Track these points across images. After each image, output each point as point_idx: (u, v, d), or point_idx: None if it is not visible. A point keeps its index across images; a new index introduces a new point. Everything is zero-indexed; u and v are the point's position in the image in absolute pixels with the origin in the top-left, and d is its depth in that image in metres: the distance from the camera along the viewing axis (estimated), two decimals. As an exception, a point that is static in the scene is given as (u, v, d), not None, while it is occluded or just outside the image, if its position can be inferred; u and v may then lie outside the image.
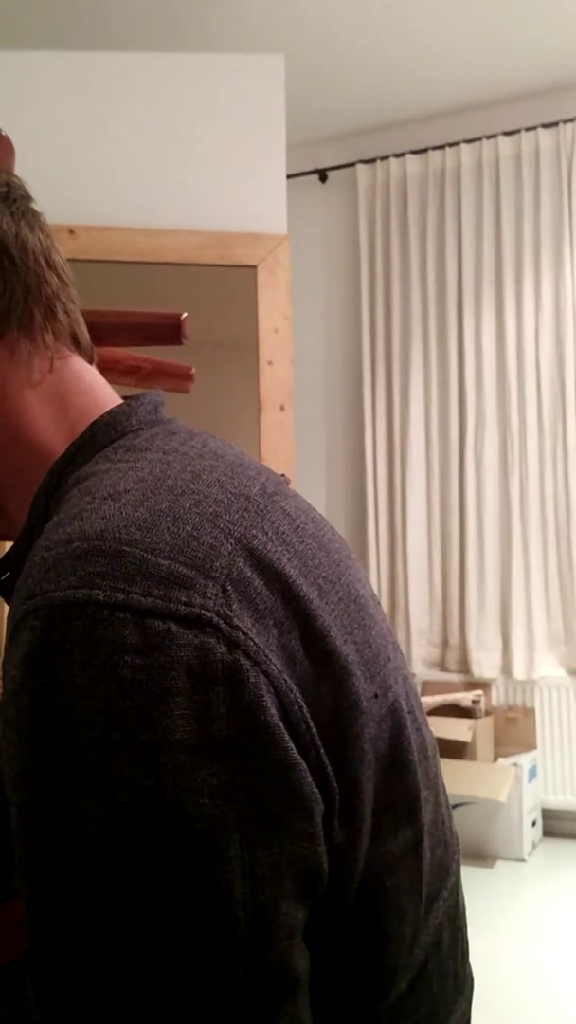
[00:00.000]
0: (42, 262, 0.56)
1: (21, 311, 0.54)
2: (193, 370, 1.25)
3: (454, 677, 3.57)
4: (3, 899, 0.54)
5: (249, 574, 0.43)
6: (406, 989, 0.49)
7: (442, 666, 3.60)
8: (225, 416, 2.49)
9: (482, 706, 3.38)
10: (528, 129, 3.56)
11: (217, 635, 0.40)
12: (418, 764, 0.50)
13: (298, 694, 0.42)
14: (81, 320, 0.59)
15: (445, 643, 3.61)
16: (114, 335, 1.17)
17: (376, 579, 3.72)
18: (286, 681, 0.42)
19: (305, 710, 0.42)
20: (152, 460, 0.49)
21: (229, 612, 0.41)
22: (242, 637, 0.40)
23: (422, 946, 0.50)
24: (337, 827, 0.44)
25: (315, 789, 0.42)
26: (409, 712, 0.51)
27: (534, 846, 3.28)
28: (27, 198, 0.57)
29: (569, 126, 3.51)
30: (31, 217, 0.57)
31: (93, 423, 0.54)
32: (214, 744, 0.38)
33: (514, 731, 3.45)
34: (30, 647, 0.39)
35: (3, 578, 0.56)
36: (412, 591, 3.61)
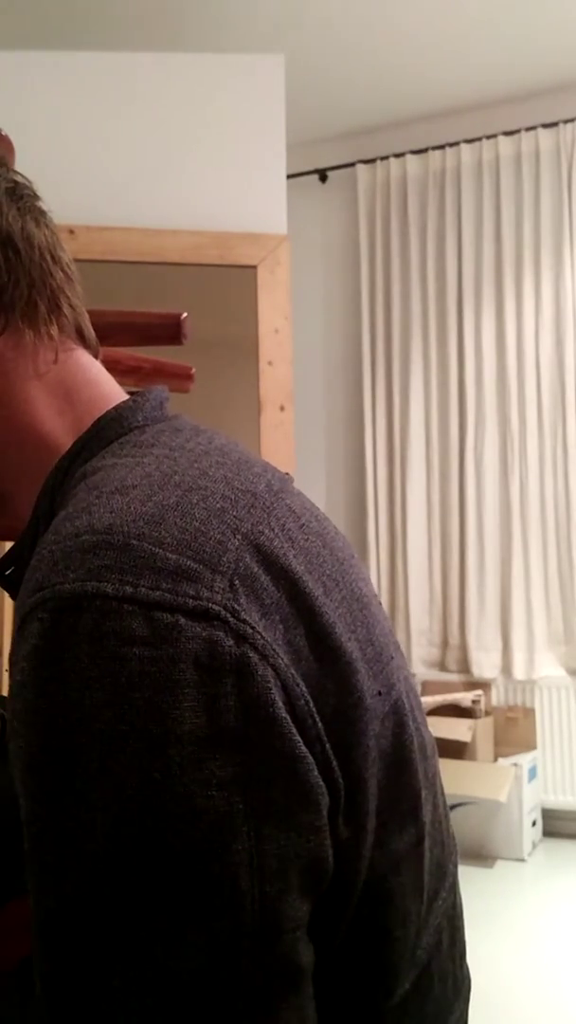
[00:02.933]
0: (47, 257, 0.56)
1: (25, 303, 0.55)
2: (193, 370, 1.25)
3: (454, 677, 3.57)
4: (10, 898, 0.54)
5: (256, 569, 0.43)
6: (410, 989, 0.49)
7: (442, 666, 3.60)
8: (225, 416, 2.49)
9: (482, 706, 3.38)
10: (528, 129, 3.56)
11: (225, 628, 0.40)
12: (419, 763, 0.50)
13: (304, 688, 0.42)
14: (86, 316, 0.60)
15: (445, 643, 3.61)
16: (114, 335, 1.18)
17: (376, 579, 3.72)
18: (293, 675, 0.42)
19: (311, 704, 0.42)
20: (159, 456, 0.49)
21: (236, 606, 0.41)
22: (250, 631, 0.41)
23: (424, 946, 0.50)
24: (342, 823, 0.44)
25: (321, 782, 0.42)
26: (410, 711, 0.51)
27: (534, 846, 3.28)
28: (34, 196, 0.58)
29: (569, 126, 3.51)
30: (37, 214, 0.57)
31: (99, 419, 0.54)
32: (222, 736, 0.39)
33: (514, 731, 3.45)
34: (38, 639, 0.39)
35: (8, 572, 0.56)
36: (412, 591, 3.62)
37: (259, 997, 0.39)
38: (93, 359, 0.59)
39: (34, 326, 0.55)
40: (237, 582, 0.42)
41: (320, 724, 0.43)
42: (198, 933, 0.38)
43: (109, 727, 0.37)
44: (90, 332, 0.60)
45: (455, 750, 3.28)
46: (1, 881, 0.54)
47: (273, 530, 0.46)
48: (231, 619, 0.40)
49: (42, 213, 0.58)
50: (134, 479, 0.46)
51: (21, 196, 0.57)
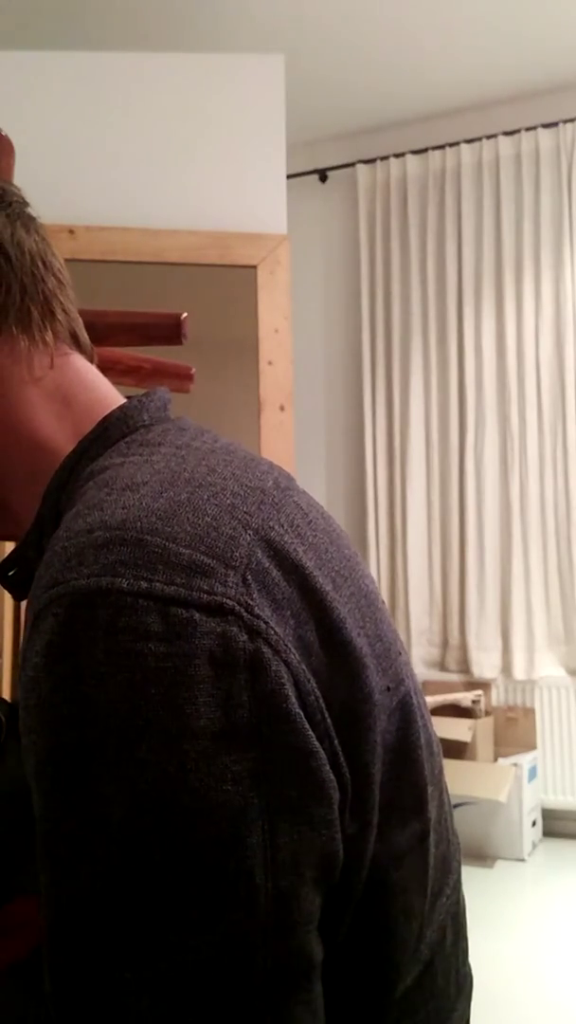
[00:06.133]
0: (39, 263, 0.57)
1: (18, 309, 0.55)
2: (193, 370, 1.25)
3: (454, 677, 3.57)
4: (11, 898, 0.54)
5: (267, 565, 0.43)
6: (413, 985, 0.49)
7: (442, 666, 3.60)
8: (225, 416, 2.49)
9: (482, 706, 3.38)
10: (528, 129, 3.56)
11: (239, 623, 0.40)
12: (425, 759, 0.50)
13: (314, 684, 0.42)
14: (80, 321, 0.60)
15: (445, 643, 3.61)
16: (115, 335, 1.18)
17: (376, 579, 3.72)
18: (304, 671, 0.42)
19: (321, 700, 0.43)
20: (166, 454, 0.49)
21: (250, 601, 0.41)
22: (263, 626, 0.41)
23: (428, 942, 0.50)
24: (348, 818, 0.44)
25: (332, 777, 0.42)
26: (417, 707, 0.51)
27: (534, 846, 3.28)
28: (23, 203, 0.58)
29: (569, 126, 3.51)
30: (27, 220, 0.58)
31: (104, 418, 0.54)
32: (237, 731, 0.39)
33: (514, 731, 3.45)
34: (53, 634, 0.39)
35: (11, 574, 0.56)
36: (412, 591, 3.62)
37: (272, 991, 0.39)
38: (89, 363, 0.59)
39: (28, 332, 0.55)
40: (250, 577, 0.42)
41: (329, 719, 0.43)
42: (211, 927, 0.38)
43: (124, 722, 0.38)
44: (84, 337, 0.60)
45: (455, 750, 3.28)
46: (3, 880, 0.54)
47: (283, 526, 0.46)
48: (245, 614, 0.40)
49: (31, 219, 0.58)
50: (144, 476, 0.46)
51: (10, 203, 0.57)
